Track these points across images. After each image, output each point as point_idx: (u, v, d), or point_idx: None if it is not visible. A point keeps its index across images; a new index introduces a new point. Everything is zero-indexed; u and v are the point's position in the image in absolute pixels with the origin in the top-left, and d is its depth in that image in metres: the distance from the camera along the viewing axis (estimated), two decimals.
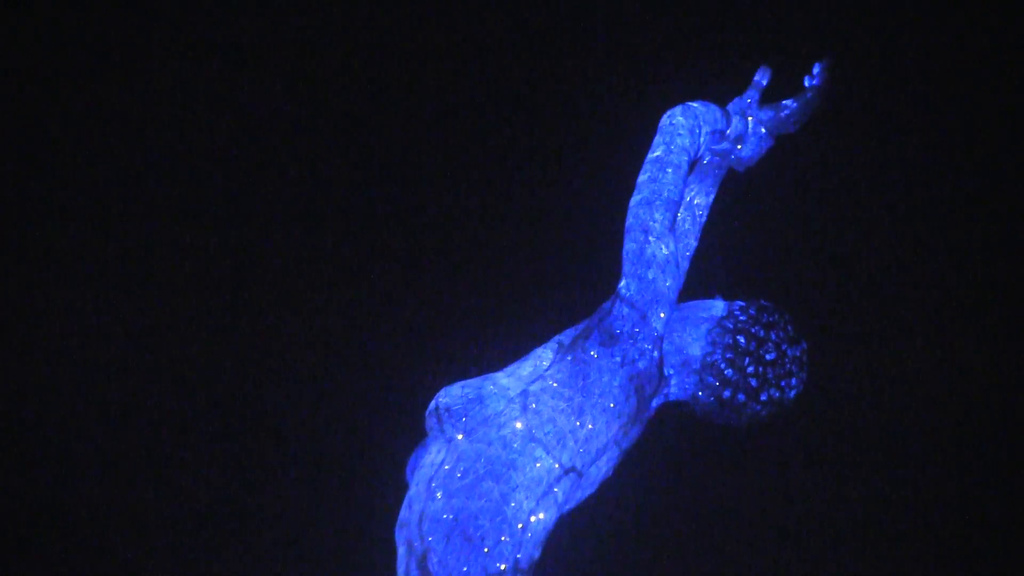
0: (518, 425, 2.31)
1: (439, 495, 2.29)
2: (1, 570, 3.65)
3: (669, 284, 2.36)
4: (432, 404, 2.39)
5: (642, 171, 2.42)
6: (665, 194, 2.39)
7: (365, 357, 3.55)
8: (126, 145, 3.76)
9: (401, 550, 2.32)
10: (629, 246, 2.39)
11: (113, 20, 3.76)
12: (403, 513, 2.35)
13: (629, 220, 2.40)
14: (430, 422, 2.38)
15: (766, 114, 2.63)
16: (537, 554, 2.30)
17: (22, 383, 3.70)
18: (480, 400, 2.36)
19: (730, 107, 2.61)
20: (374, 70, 3.66)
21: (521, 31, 3.58)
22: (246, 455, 3.66)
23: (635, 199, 2.40)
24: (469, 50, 3.55)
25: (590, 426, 2.34)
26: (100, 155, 3.74)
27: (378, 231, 3.63)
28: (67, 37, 3.72)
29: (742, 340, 2.41)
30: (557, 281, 3.48)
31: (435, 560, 2.26)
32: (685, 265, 2.63)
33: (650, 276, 2.36)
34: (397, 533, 2.34)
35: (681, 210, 2.63)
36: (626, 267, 2.38)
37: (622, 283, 2.38)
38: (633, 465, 2.49)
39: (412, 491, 2.35)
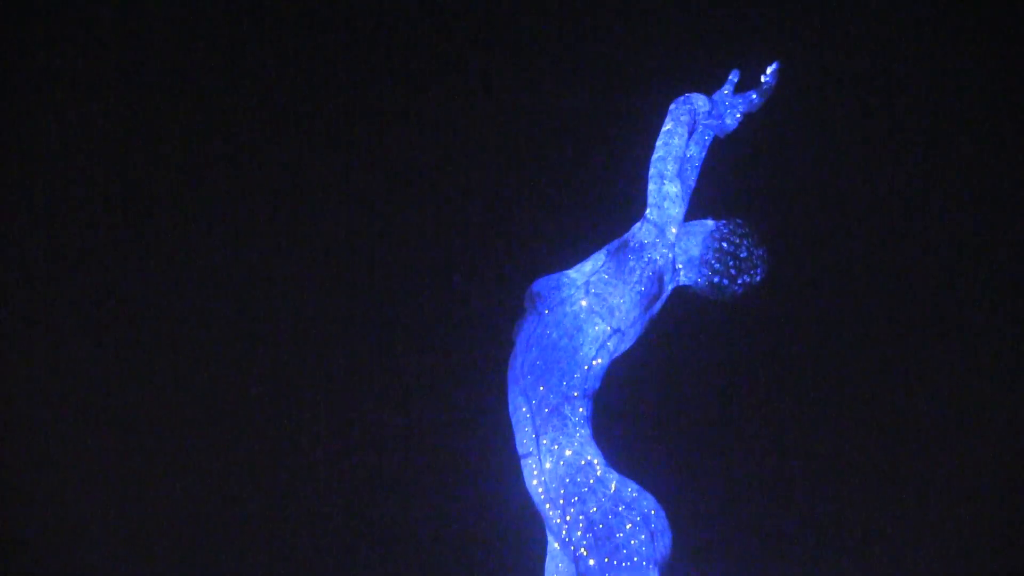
0: (583, 303, 2.99)
1: (533, 349, 2.99)
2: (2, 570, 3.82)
3: (677, 211, 3.08)
4: (528, 290, 3.06)
5: (659, 138, 3.10)
6: (674, 152, 3.08)
7: (497, 265, 4.29)
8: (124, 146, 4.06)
9: (510, 386, 3.01)
10: (651, 187, 3.06)
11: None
12: (511, 361, 3.03)
13: (651, 170, 3.07)
14: (527, 303, 3.06)
15: (737, 100, 3.26)
16: (597, 385, 3.01)
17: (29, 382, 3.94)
18: (558, 287, 3.01)
19: (714, 96, 3.24)
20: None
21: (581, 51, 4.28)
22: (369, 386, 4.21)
23: (654, 156, 3.10)
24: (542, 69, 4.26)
25: (629, 303, 3.01)
26: (96, 155, 4.04)
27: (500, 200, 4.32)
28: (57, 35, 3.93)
29: (725, 245, 3.06)
30: (606, 212, 4.11)
31: (531, 390, 2.94)
32: (687, 197, 3.20)
33: (665, 205, 3.05)
34: (509, 375, 3.02)
35: (684, 163, 3.23)
36: (649, 200, 3.06)
37: (647, 210, 3.07)
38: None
39: (516, 348, 3.04)
